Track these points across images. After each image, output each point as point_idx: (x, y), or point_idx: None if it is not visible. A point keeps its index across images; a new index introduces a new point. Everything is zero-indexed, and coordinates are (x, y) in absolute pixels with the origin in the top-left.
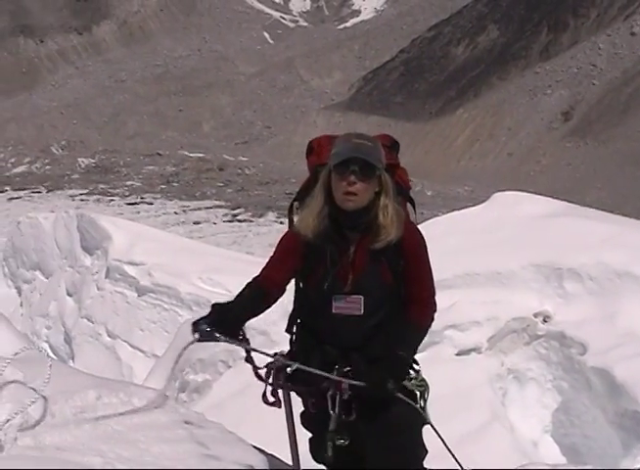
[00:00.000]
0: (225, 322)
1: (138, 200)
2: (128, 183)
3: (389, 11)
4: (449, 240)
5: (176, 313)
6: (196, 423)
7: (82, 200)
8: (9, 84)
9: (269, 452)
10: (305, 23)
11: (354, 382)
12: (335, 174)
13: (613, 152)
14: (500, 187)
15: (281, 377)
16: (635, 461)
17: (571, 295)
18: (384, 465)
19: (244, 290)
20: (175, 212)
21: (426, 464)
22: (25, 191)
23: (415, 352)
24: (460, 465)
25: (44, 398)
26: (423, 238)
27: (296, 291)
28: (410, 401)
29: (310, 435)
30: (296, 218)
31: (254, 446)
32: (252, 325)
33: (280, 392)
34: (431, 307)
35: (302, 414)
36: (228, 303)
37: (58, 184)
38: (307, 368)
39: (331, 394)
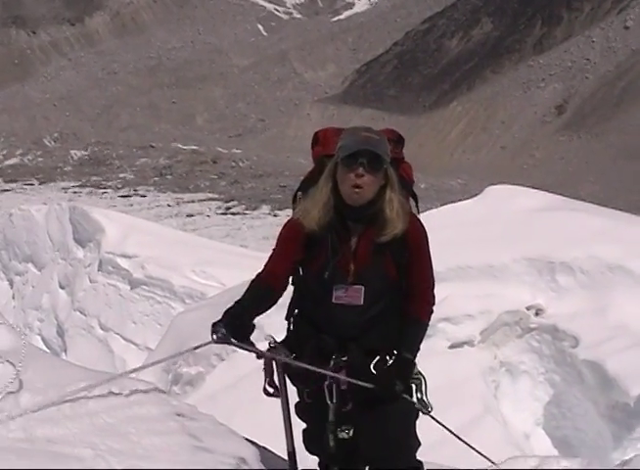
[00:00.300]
0: (239, 328)
1: (131, 192)
2: (121, 176)
3: (383, 3)
4: (442, 233)
5: (169, 306)
6: (188, 415)
7: (75, 192)
8: (1, 76)
9: (261, 445)
10: (299, 16)
11: (362, 383)
12: (342, 167)
13: (606, 146)
14: (493, 180)
15: (277, 367)
16: (625, 453)
17: (564, 288)
18: (378, 456)
19: (249, 288)
20: (168, 205)
21: (419, 456)
22: (18, 183)
23: (418, 350)
24: (472, 447)
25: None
26: (425, 231)
27: (296, 279)
28: (406, 396)
29: (304, 425)
30: (298, 210)
31: (247, 439)
32: None
33: (276, 380)
34: (429, 302)
35: (297, 404)
36: (239, 305)
37: (50, 176)
38: (304, 365)
39: (328, 384)
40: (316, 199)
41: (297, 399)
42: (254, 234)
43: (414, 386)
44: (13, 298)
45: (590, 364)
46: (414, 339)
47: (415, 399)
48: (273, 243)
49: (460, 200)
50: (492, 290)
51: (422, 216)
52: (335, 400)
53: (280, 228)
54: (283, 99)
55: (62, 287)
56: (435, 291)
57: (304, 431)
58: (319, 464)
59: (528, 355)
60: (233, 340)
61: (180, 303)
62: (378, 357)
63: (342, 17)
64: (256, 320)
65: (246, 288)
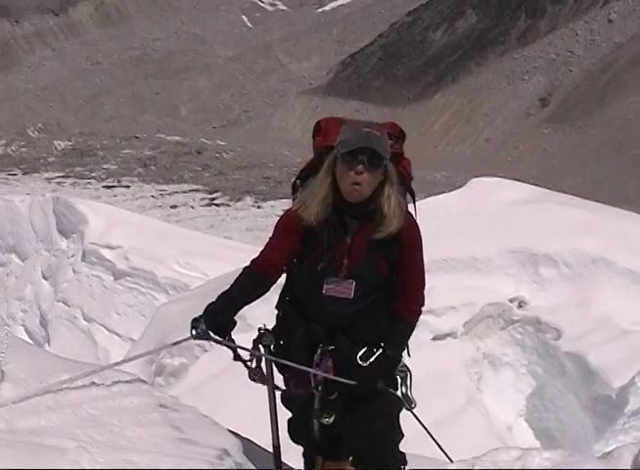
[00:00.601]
0: (220, 324)
1: (115, 183)
2: (105, 166)
3: None
4: (426, 225)
5: (153, 297)
6: (170, 407)
7: (59, 183)
8: None
9: (245, 436)
10: (284, 7)
11: (344, 380)
12: (341, 163)
13: (589, 138)
14: (477, 173)
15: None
16: (607, 445)
17: (547, 280)
18: (361, 447)
19: (242, 275)
20: (152, 196)
21: (402, 448)
22: (1, 174)
23: (404, 349)
24: (441, 448)
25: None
26: (420, 232)
27: (289, 268)
28: (391, 390)
29: (289, 415)
30: (297, 201)
31: (230, 430)
32: None
33: (264, 367)
34: (418, 302)
35: (283, 393)
36: (224, 298)
37: (34, 167)
38: (284, 361)
39: (314, 373)
40: (315, 192)
41: (283, 388)
42: (238, 225)
43: (399, 379)
44: None
45: (572, 356)
46: (399, 338)
47: (400, 394)
48: (257, 234)
49: (444, 192)
50: (475, 282)
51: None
52: (320, 389)
53: (264, 220)
54: (267, 90)
55: (45, 278)
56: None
57: (290, 420)
58: (304, 454)
59: (511, 348)
60: (213, 335)
61: (164, 294)
62: (365, 349)
63: (326, 8)
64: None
65: (237, 275)
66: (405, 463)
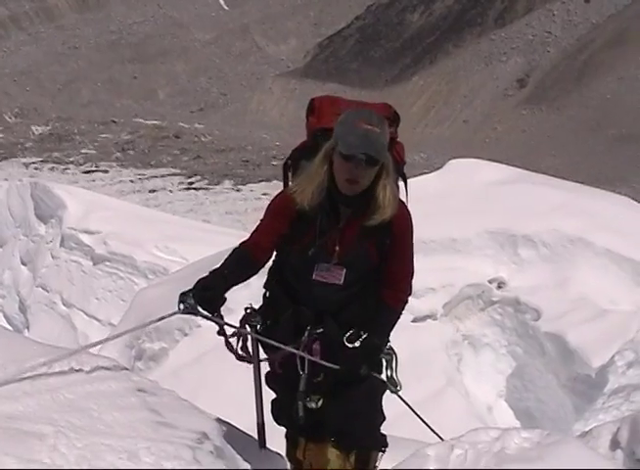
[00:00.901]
0: (210, 300)
1: (93, 168)
2: (83, 151)
3: None
4: None
5: (132, 282)
6: (149, 391)
7: (36, 168)
8: None
9: (224, 419)
10: None
11: (328, 364)
12: (339, 157)
13: (567, 119)
14: (455, 154)
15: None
16: (587, 424)
17: (526, 261)
18: (343, 429)
19: (231, 257)
20: (131, 181)
21: (382, 429)
22: None
23: (388, 335)
24: (430, 428)
25: None
26: (411, 220)
27: (278, 251)
28: (376, 375)
29: (273, 396)
30: (292, 182)
31: (209, 414)
32: None
33: (250, 346)
34: (405, 291)
35: (268, 374)
36: (215, 274)
37: (11, 152)
38: (271, 341)
39: (301, 352)
40: (312, 177)
41: (268, 369)
42: (217, 209)
43: (385, 362)
44: None
45: (552, 337)
46: (384, 325)
47: (385, 377)
48: (236, 217)
49: (422, 174)
50: (454, 263)
51: None
52: (306, 371)
53: (243, 203)
54: (245, 73)
55: (23, 263)
56: None
57: (274, 401)
58: (286, 435)
59: (491, 328)
60: (201, 311)
61: (143, 278)
62: (352, 331)
63: None
64: None
65: (227, 256)
66: (386, 445)
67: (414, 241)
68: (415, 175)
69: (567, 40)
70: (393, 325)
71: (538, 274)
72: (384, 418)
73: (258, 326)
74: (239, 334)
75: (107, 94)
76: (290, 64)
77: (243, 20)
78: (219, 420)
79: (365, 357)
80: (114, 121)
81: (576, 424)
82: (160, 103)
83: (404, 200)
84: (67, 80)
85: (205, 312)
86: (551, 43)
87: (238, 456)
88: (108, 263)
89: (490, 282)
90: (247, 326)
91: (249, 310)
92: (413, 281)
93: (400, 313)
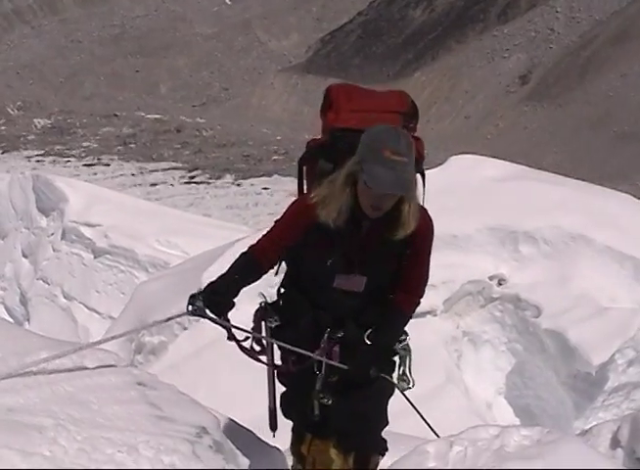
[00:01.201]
0: (219, 303)
1: (95, 161)
2: (85, 144)
3: None
4: None
5: (133, 275)
6: (149, 384)
7: (38, 161)
8: None
9: (223, 414)
10: None
11: (338, 364)
12: (365, 186)
13: (569, 115)
14: (457, 150)
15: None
16: (587, 422)
17: (526, 258)
18: (346, 428)
19: (238, 262)
20: (132, 174)
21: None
22: None
23: (399, 336)
24: (429, 425)
25: None
26: (433, 227)
27: (293, 255)
28: (386, 376)
29: (283, 389)
30: (315, 195)
31: (208, 408)
32: None
33: (264, 342)
34: (419, 295)
35: (279, 368)
36: (224, 279)
37: (14, 145)
38: (287, 346)
39: (318, 354)
40: (336, 196)
41: (280, 364)
42: (218, 203)
43: (398, 358)
44: None
45: (552, 334)
46: (396, 328)
47: (396, 374)
48: (236, 212)
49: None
50: (455, 260)
51: None
52: (323, 372)
53: (243, 198)
54: (247, 68)
55: (25, 256)
56: None
57: (283, 395)
58: (293, 429)
59: (491, 325)
60: (209, 313)
61: (144, 272)
62: (371, 330)
63: None
64: None
65: (235, 260)
66: (386, 449)
67: None
68: None
69: (569, 37)
70: (403, 328)
71: (539, 271)
72: (387, 423)
73: (274, 325)
74: (252, 337)
75: (109, 88)
76: (292, 59)
77: (245, 14)
78: (218, 414)
79: (375, 359)
80: (116, 115)
81: (576, 422)
82: (161, 97)
83: (420, 194)
84: (69, 74)
85: (213, 315)
86: (554, 40)
87: (237, 451)
88: (108, 256)
89: (491, 279)
90: (262, 323)
91: (263, 305)
92: None
93: (411, 317)
